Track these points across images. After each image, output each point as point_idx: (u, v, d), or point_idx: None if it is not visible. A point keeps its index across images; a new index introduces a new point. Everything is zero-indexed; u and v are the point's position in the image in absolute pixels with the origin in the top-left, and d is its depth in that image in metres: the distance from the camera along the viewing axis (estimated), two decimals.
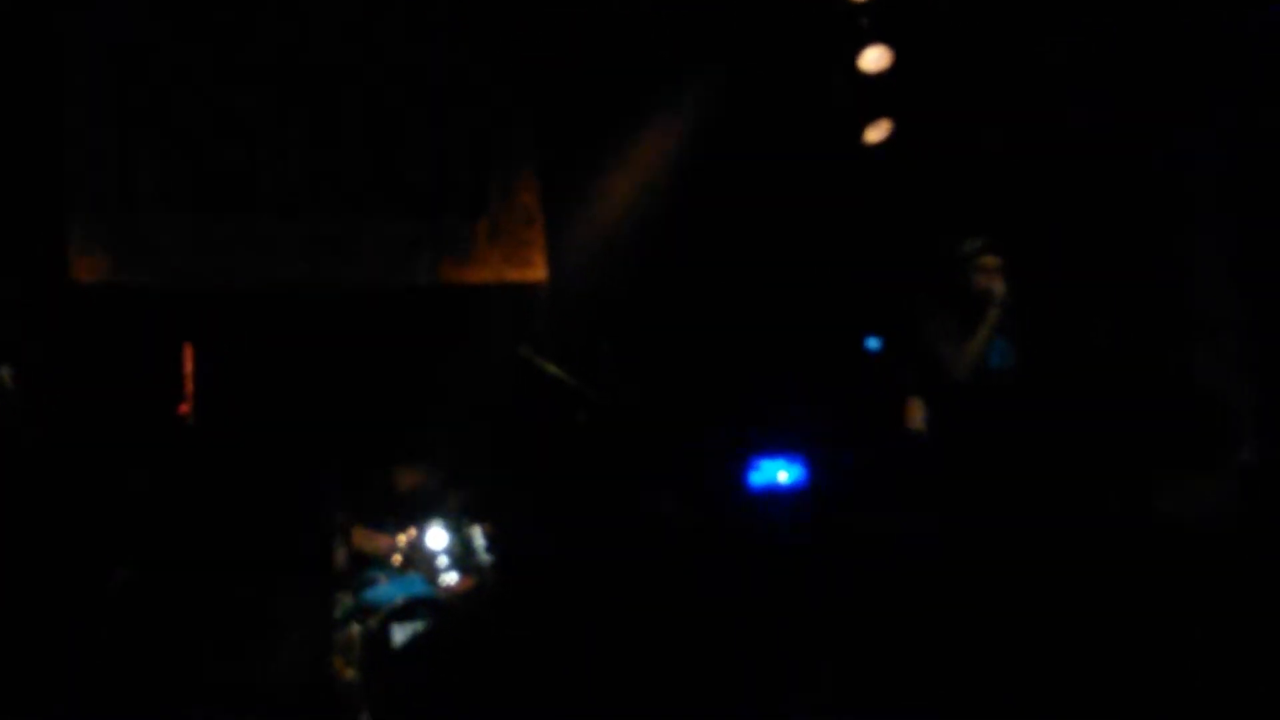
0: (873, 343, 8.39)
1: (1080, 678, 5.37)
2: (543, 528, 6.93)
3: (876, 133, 7.78)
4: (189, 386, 7.28)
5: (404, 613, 6.37)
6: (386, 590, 6.63)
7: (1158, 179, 7.90)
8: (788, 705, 5.52)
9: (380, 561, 6.82)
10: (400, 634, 6.29)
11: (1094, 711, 5.20)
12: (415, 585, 6.68)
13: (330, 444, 7.16)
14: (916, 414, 6.31)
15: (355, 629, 6.36)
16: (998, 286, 6.28)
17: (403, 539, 6.95)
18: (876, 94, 7.71)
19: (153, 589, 6.54)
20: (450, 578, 6.83)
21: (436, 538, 6.93)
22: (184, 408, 7.29)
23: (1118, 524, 6.47)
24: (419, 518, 6.95)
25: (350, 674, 6.24)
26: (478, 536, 6.88)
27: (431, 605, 6.45)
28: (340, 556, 6.62)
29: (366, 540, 6.83)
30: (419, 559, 6.91)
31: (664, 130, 8.18)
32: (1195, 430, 7.30)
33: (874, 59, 7.58)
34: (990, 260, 6.36)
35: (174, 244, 7.60)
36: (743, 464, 8.22)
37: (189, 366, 7.26)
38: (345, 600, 6.61)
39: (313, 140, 7.83)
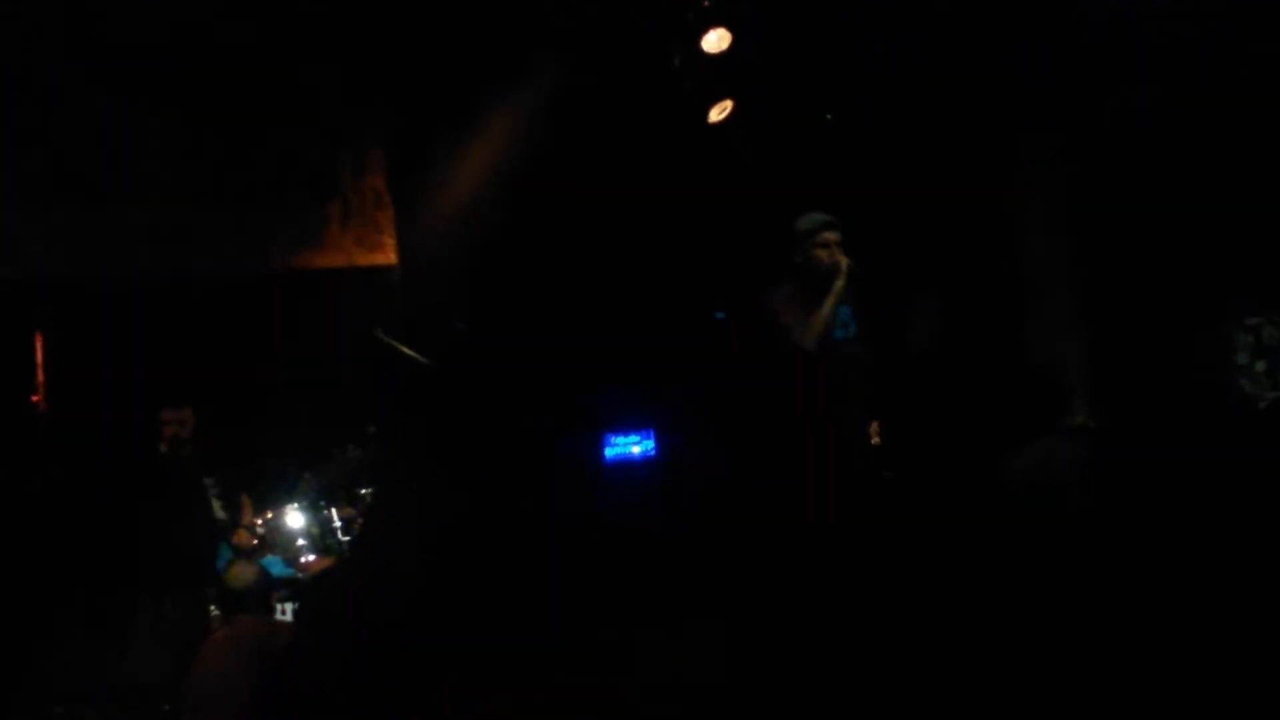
0: (720, 316, 8.58)
1: (942, 637, 5.53)
2: (400, 507, 7.01)
3: (719, 112, 7.93)
4: (40, 376, 7.26)
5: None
6: None
7: (990, 156, 8.16)
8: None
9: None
10: None
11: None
12: (274, 567, 6.74)
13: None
14: (875, 433, 6.48)
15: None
16: (841, 260, 6.43)
17: (259, 521, 7.02)
18: (718, 74, 7.86)
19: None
20: (309, 559, 6.91)
21: (295, 519, 7.01)
22: (36, 397, 7.27)
23: (971, 484, 6.70)
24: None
25: None
26: (335, 519, 6.97)
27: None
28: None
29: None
30: (278, 541, 6.97)
31: (512, 110, 8.26)
32: (1031, 395, 7.55)
33: (715, 40, 7.72)
34: (831, 235, 6.51)
35: (25, 236, 7.55)
36: (597, 437, 8.36)
37: (40, 356, 7.23)
38: None
39: (161, 129, 7.81)
